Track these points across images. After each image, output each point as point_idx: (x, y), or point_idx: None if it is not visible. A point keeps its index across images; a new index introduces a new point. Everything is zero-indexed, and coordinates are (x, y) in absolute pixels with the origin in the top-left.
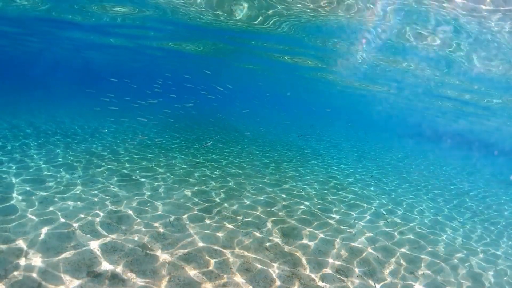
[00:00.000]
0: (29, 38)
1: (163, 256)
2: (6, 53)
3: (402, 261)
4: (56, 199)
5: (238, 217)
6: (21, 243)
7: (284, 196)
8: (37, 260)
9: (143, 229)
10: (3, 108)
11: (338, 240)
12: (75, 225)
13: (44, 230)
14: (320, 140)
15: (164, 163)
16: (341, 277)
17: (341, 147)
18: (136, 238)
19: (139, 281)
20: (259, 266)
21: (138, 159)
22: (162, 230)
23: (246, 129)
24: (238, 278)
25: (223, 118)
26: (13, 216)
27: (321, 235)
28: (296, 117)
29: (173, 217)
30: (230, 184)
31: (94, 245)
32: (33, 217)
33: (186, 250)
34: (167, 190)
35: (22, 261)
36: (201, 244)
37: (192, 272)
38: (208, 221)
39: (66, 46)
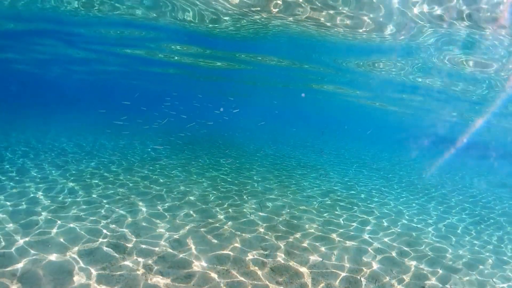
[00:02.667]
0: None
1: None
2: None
3: None
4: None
5: None
6: (53, 258)
7: None
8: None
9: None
10: (20, 127)
11: None
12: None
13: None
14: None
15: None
16: None
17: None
18: (156, 248)
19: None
20: None
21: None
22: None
23: (257, 150)
24: None
25: (232, 137)
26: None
27: None
28: (308, 132)
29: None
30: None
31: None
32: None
33: None
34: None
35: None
36: None
37: None
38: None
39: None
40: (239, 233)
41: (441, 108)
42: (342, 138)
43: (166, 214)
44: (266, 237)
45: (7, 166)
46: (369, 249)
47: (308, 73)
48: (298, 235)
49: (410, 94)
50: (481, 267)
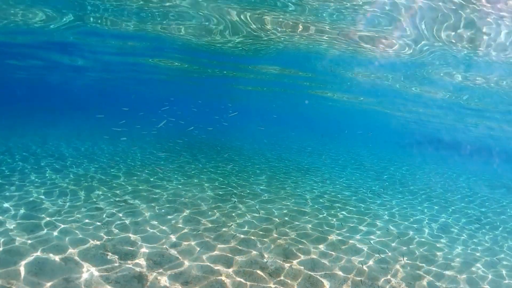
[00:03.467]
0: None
1: None
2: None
3: None
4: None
5: None
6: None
7: None
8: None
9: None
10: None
11: None
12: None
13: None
14: None
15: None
16: None
17: None
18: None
19: None
20: None
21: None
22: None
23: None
24: None
25: (231, 141)
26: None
27: None
28: (308, 135)
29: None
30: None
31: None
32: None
33: None
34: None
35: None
36: None
37: None
38: None
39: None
40: (238, 235)
41: (443, 114)
42: (342, 142)
43: (165, 216)
44: (265, 239)
45: (7, 172)
46: (365, 249)
47: (308, 80)
48: (296, 236)
49: (413, 102)
50: (477, 265)
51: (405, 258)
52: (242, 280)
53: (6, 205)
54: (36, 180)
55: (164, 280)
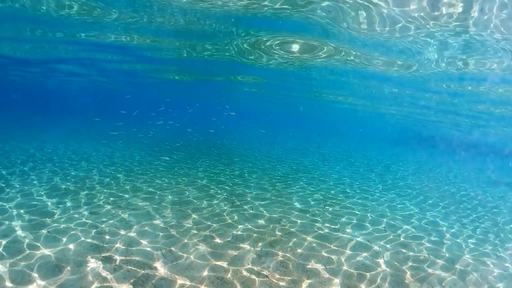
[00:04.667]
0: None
1: None
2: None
3: None
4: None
5: None
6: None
7: None
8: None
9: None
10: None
11: None
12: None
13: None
14: None
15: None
16: None
17: None
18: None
19: None
20: None
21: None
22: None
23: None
24: None
25: (229, 143)
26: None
27: None
28: (306, 136)
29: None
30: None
31: None
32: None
33: None
34: None
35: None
36: None
37: None
38: None
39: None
40: (236, 232)
41: (440, 117)
42: (341, 142)
43: (163, 214)
44: (262, 236)
45: (7, 175)
46: (355, 243)
47: (306, 85)
48: (293, 231)
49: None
50: (466, 256)
51: (394, 253)
52: (240, 277)
53: (6, 207)
54: (36, 182)
55: (163, 279)
